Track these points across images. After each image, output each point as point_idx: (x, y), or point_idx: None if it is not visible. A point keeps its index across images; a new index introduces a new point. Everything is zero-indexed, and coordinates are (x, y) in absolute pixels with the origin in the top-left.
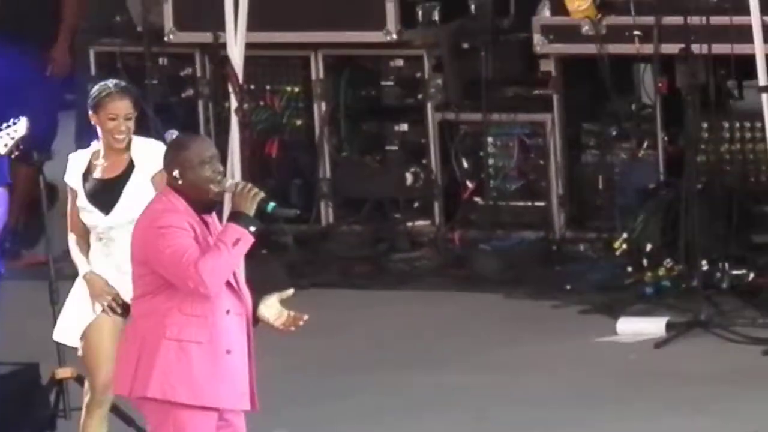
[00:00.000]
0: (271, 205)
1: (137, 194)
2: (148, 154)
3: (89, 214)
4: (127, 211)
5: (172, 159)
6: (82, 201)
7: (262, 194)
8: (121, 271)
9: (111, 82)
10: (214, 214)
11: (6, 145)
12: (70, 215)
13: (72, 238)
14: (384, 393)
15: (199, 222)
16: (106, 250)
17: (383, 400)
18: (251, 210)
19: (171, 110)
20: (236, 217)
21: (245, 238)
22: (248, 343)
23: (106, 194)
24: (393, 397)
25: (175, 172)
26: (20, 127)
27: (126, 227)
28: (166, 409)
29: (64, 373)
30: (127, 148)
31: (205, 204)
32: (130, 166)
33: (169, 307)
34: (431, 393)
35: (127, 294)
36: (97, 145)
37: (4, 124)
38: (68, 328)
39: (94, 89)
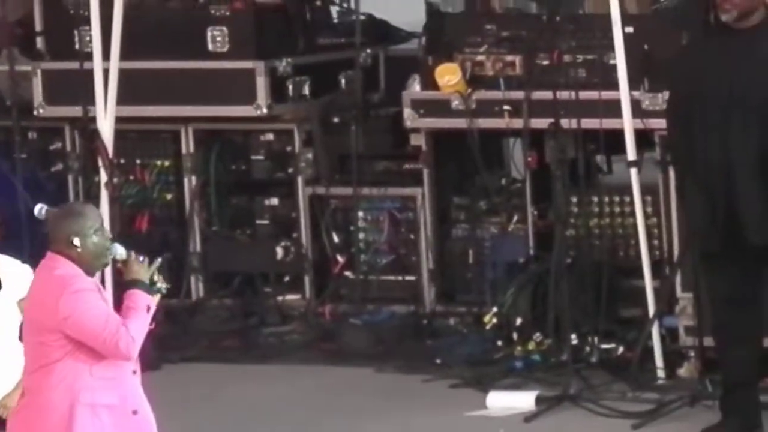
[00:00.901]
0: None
1: (4, 317)
2: (17, 276)
3: None
4: None
5: (69, 226)
6: None
7: (157, 263)
8: None
9: None
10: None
11: None
12: None
13: None
14: None
15: (100, 292)
16: None
17: None
18: (146, 279)
19: (40, 184)
20: (137, 284)
21: (152, 304)
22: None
23: None
24: None
25: (76, 240)
26: None
27: None
28: None
29: None
30: None
31: (96, 270)
32: None
33: (78, 372)
34: None
35: None
36: None
37: None
38: None
39: None
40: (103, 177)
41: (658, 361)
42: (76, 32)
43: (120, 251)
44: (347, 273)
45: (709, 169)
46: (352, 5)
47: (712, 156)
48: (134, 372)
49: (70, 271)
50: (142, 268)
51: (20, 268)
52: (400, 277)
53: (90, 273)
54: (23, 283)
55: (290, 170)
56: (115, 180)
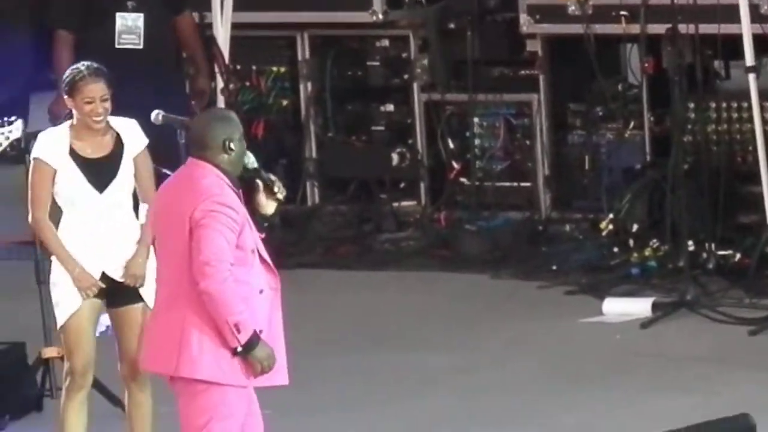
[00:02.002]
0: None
1: (129, 173)
2: (133, 134)
3: (80, 192)
4: (120, 189)
5: (224, 129)
6: (74, 178)
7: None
8: (104, 247)
9: (83, 65)
10: None
11: (0, 145)
12: (40, 193)
13: (42, 219)
14: (368, 374)
15: (239, 198)
16: (90, 228)
17: (368, 381)
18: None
19: None
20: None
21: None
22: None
23: (100, 173)
24: (378, 379)
25: (228, 143)
26: (15, 128)
27: (117, 205)
28: (203, 389)
29: (50, 352)
30: (108, 127)
31: (238, 178)
32: (119, 145)
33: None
34: (416, 375)
35: (113, 267)
36: (66, 125)
37: None
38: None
39: (67, 73)
40: (220, 83)
41: None
42: None
43: (252, 160)
44: (462, 179)
45: None
46: None
47: None
48: (261, 291)
49: (215, 181)
50: (270, 202)
51: (131, 124)
52: (515, 184)
53: (234, 179)
54: (139, 139)
55: (406, 76)
56: (232, 86)
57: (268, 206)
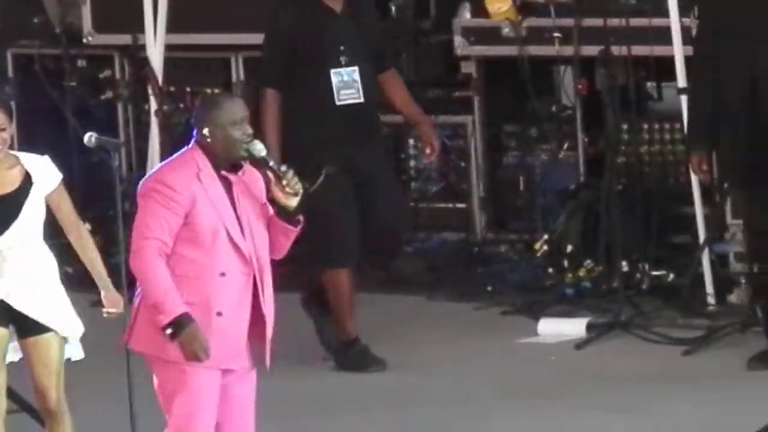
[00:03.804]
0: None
1: (36, 211)
2: (43, 170)
3: None
4: (26, 228)
5: (203, 116)
6: None
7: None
8: (11, 293)
9: None
10: (242, 173)
11: None
12: None
13: None
14: (303, 393)
15: (212, 181)
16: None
17: (300, 400)
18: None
19: (90, 112)
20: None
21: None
22: (257, 302)
23: (2, 211)
24: (313, 397)
25: (206, 130)
26: None
27: (22, 245)
28: (168, 365)
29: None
30: (14, 162)
31: (230, 163)
32: (27, 181)
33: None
34: (352, 392)
35: (17, 296)
36: None
37: None
38: None
39: None
40: (153, 105)
41: (709, 287)
42: None
43: (259, 148)
44: None
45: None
46: None
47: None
48: (222, 274)
49: (177, 163)
50: (290, 195)
51: (43, 161)
52: (451, 205)
53: (222, 166)
54: (51, 176)
55: None
56: (165, 108)
57: (288, 199)
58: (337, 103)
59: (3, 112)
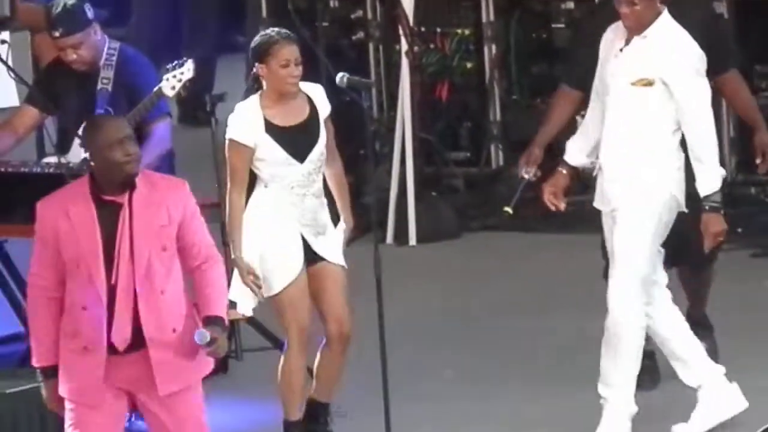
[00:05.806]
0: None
1: (324, 137)
2: (320, 97)
3: (283, 166)
4: (320, 155)
5: (85, 141)
6: (276, 154)
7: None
8: (304, 214)
9: (273, 31)
10: (138, 193)
11: (173, 88)
12: (237, 173)
13: (234, 199)
14: (543, 336)
15: (84, 211)
16: (293, 198)
17: (544, 343)
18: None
19: (342, 53)
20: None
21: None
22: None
23: (298, 142)
24: (551, 341)
25: (87, 155)
26: (186, 68)
27: (316, 171)
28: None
29: (234, 315)
30: (298, 91)
31: (116, 185)
32: (313, 110)
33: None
34: (588, 337)
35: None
36: (256, 98)
37: (170, 65)
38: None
39: (257, 40)
40: (404, 46)
41: None
42: None
43: (204, 337)
44: None
45: None
46: None
47: None
48: (84, 308)
49: (63, 190)
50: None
51: (318, 88)
52: None
53: (109, 189)
54: (326, 102)
55: None
56: (416, 48)
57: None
58: None
59: (298, 45)
